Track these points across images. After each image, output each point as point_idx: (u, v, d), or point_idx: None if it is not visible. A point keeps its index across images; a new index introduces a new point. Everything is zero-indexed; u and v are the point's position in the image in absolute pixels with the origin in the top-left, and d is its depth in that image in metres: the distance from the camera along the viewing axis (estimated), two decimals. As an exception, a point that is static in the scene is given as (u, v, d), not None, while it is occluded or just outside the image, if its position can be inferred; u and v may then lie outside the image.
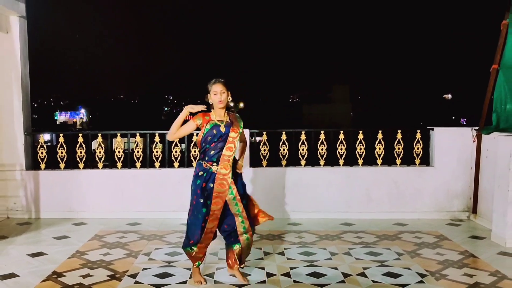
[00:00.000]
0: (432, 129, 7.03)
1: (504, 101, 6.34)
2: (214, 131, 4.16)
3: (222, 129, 4.18)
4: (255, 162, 6.99)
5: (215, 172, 4.17)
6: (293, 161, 6.98)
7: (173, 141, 6.81)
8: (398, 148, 6.99)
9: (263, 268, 4.77)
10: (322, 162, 6.95)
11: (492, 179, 6.18)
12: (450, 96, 79.68)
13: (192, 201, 4.26)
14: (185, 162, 6.96)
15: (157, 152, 6.91)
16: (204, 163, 4.20)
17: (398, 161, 6.98)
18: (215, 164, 4.17)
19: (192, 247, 4.28)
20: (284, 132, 6.94)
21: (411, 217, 6.81)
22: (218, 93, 4.18)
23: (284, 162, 6.94)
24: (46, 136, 7.46)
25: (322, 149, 6.95)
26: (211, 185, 4.16)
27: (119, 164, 6.91)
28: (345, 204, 6.85)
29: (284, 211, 6.84)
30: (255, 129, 7.04)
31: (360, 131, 6.98)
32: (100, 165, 6.92)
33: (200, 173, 4.21)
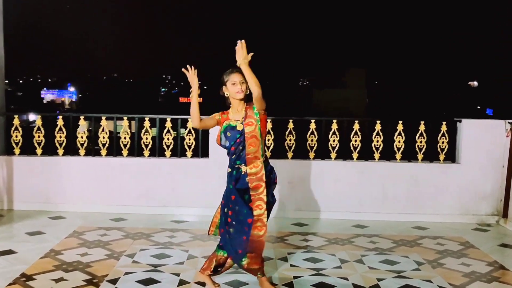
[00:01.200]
0: (460, 121, 6.77)
1: None
2: (228, 134, 4.12)
3: (239, 127, 4.09)
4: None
5: (245, 173, 4.13)
6: (301, 153, 6.74)
7: (165, 127, 6.60)
8: (420, 142, 6.75)
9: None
10: (333, 155, 6.72)
11: (527, 179, 5.95)
12: (476, 83, 78.97)
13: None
14: (178, 151, 6.72)
15: (146, 139, 6.68)
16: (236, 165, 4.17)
17: (420, 156, 6.75)
18: (243, 165, 4.13)
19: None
20: (291, 120, 6.69)
21: (432, 220, 6.58)
22: (237, 83, 4.04)
23: (290, 154, 6.70)
24: (32, 117, 7.26)
25: (333, 140, 6.71)
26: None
27: (103, 151, 6.68)
28: (358, 203, 6.63)
29: (288, 210, 6.62)
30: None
31: (378, 121, 6.73)
32: (82, 151, 6.69)
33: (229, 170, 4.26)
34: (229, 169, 4.23)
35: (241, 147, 4.09)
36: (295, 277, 4.55)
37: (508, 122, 6.55)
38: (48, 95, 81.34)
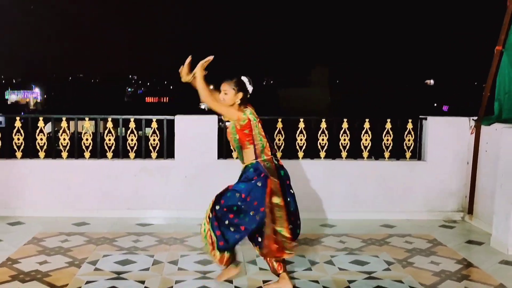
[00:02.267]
0: (426, 119, 6.64)
1: (508, 87, 5.96)
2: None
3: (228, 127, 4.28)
4: (224, 153, 6.49)
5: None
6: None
7: (129, 128, 6.28)
8: (387, 140, 6.59)
9: (230, 282, 4.29)
10: (300, 154, 6.50)
11: (492, 176, 5.83)
12: (432, 81, 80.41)
13: None
14: (142, 152, 6.40)
15: (109, 140, 6.32)
16: None
17: (387, 154, 6.59)
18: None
19: None
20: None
21: (400, 217, 6.44)
22: (222, 92, 4.19)
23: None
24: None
25: (301, 140, 6.49)
26: None
27: (64, 154, 6.30)
28: (326, 202, 6.42)
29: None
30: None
31: (345, 120, 6.53)
32: (41, 154, 6.29)
33: None
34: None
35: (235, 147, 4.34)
36: (264, 281, 4.31)
37: (472, 119, 6.45)
38: (12, 96, 79.00)
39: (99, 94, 74.10)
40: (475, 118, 6.39)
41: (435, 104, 63.70)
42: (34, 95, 79.35)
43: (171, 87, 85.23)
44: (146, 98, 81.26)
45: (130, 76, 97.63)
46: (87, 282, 4.18)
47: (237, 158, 6.32)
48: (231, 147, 6.11)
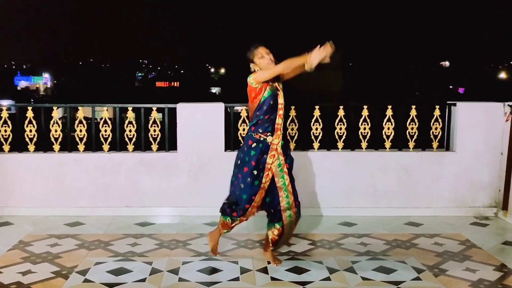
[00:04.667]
0: (455, 105, 6.03)
1: None
2: (271, 102, 4.14)
3: (279, 97, 4.19)
4: (232, 144, 5.93)
5: (270, 143, 4.16)
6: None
7: (127, 118, 5.75)
8: (412, 128, 5.99)
9: None
10: (316, 144, 5.93)
11: (530, 168, 5.28)
12: (447, 63, 79.15)
13: (241, 173, 4.21)
14: (142, 144, 5.86)
15: (105, 131, 5.78)
16: (258, 135, 4.17)
17: (411, 144, 5.99)
18: (269, 134, 4.16)
19: (234, 219, 4.31)
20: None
21: (426, 214, 5.87)
22: (265, 55, 4.18)
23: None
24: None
25: (316, 129, 5.92)
26: (265, 156, 4.16)
27: (56, 147, 5.78)
28: (344, 197, 5.87)
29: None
30: (233, 101, 5.98)
31: (365, 107, 5.93)
32: (31, 147, 5.77)
33: (254, 144, 4.17)
34: (255, 144, 4.19)
35: (272, 118, 4.17)
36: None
37: (508, 105, 5.85)
38: (22, 82, 78.91)
39: (110, 79, 73.86)
40: (511, 103, 5.80)
41: (451, 87, 62.64)
42: (44, 80, 79.12)
43: (182, 71, 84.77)
44: (157, 83, 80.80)
45: (140, 61, 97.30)
46: (74, 298, 3.68)
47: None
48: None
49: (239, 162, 4.22)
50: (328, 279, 4.08)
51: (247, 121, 5.85)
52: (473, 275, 4.19)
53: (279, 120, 4.17)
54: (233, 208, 4.27)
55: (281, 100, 4.18)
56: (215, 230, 4.48)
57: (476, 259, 4.55)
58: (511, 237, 5.21)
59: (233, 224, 4.35)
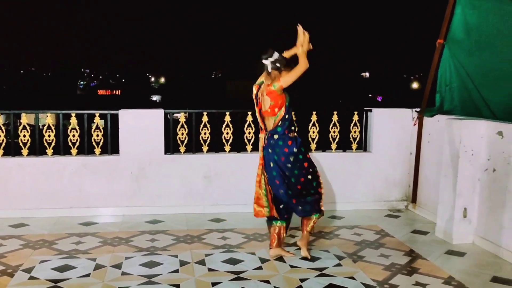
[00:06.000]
0: (371, 111, 6.34)
1: (449, 79, 5.71)
2: (290, 108, 4.36)
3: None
4: (171, 147, 5.96)
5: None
6: (217, 146, 6.04)
7: (70, 124, 5.65)
8: (334, 132, 6.24)
9: (177, 286, 3.83)
10: (249, 147, 6.06)
11: (434, 166, 5.64)
12: (367, 74, 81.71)
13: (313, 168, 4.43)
14: (85, 148, 5.77)
15: (49, 136, 5.65)
16: (292, 134, 4.34)
17: (334, 145, 6.24)
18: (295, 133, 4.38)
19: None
20: (205, 113, 5.94)
21: (348, 208, 6.12)
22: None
23: (205, 148, 5.97)
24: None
25: (249, 133, 6.05)
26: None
27: (-1, 151, 5.59)
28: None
29: (205, 205, 5.89)
30: (172, 108, 6.02)
31: (293, 112, 6.10)
32: (-25, 152, 5.56)
33: (293, 142, 4.33)
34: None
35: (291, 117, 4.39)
36: (213, 284, 3.86)
37: (415, 111, 6.21)
38: (-38, 90, 74.46)
39: (52, 87, 71.01)
40: (418, 109, 6.14)
41: (370, 95, 64.71)
42: (-15, 89, 74.99)
43: (123, 80, 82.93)
44: (99, 91, 78.57)
45: (82, 70, 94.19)
46: (20, 294, 3.61)
47: (185, 152, 5.86)
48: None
49: (295, 163, 4.29)
50: (260, 268, 4.21)
51: (185, 126, 5.90)
52: (386, 260, 4.45)
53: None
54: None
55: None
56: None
57: (389, 246, 4.82)
58: (419, 226, 5.53)
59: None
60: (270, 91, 4.23)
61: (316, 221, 4.49)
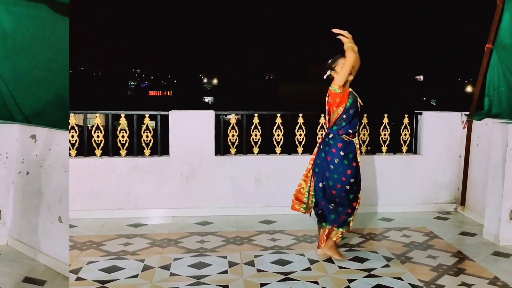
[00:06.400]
0: (421, 114, 6.19)
1: (497, 84, 5.67)
2: (352, 110, 4.25)
3: (359, 102, 4.31)
4: (222, 149, 5.94)
5: (356, 144, 4.31)
6: (268, 148, 5.97)
7: (120, 124, 5.70)
8: (384, 134, 6.08)
9: (226, 286, 3.78)
10: (300, 149, 5.96)
11: (483, 169, 5.52)
12: (422, 77, 79.93)
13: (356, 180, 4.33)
14: (134, 149, 5.80)
15: (98, 137, 5.71)
16: (346, 137, 4.26)
17: (384, 148, 6.07)
18: (353, 136, 4.30)
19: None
20: (256, 115, 5.89)
21: (397, 210, 5.98)
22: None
23: (256, 150, 5.90)
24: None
25: (300, 135, 5.95)
26: (352, 154, 4.28)
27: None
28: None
29: (255, 207, 5.85)
30: (224, 110, 6.05)
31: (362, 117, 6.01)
32: None
33: (344, 145, 4.26)
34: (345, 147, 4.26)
35: (355, 122, 4.33)
36: (262, 284, 3.81)
37: (464, 114, 6.08)
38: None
39: (102, 87, 72.77)
40: (467, 113, 6.01)
41: (424, 98, 63.31)
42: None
43: (175, 81, 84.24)
44: (150, 92, 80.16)
45: (133, 70, 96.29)
46: (69, 294, 3.65)
47: (235, 154, 5.82)
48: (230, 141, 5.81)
49: (343, 166, 4.23)
50: (308, 269, 4.16)
51: (236, 127, 5.86)
52: (434, 261, 4.38)
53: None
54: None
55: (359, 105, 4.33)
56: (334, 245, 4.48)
57: (437, 247, 4.75)
58: (467, 228, 5.40)
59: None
60: (329, 91, 4.26)
61: (342, 234, 4.41)
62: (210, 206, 5.78)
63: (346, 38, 4.08)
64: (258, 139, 5.89)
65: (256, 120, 5.86)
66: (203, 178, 5.76)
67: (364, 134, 6.03)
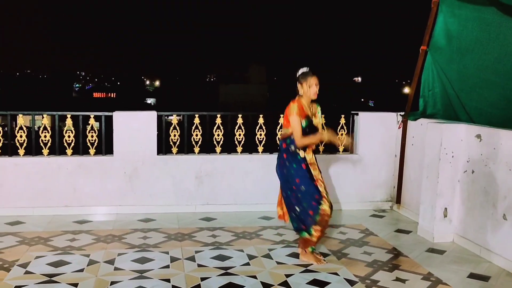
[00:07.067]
0: (357, 114, 6.48)
1: (432, 85, 5.89)
2: (307, 129, 4.37)
3: (314, 121, 4.47)
4: (164, 148, 6.07)
5: (303, 157, 4.42)
6: (207, 148, 6.15)
7: (66, 125, 5.74)
8: (321, 134, 6.36)
9: (168, 280, 3.93)
10: (239, 149, 6.18)
11: (418, 168, 5.77)
12: (360, 79, 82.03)
13: (295, 184, 4.39)
14: (80, 148, 5.87)
15: (45, 137, 5.75)
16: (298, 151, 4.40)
17: (321, 148, 6.37)
18: (302, 150, 4.40)
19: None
20: (197, 116, 6.07)
21: (334, 208, 6.15)
22: (314, 86, 4.37)
23: (197, 149, 6.08)
24: None
25: (239, 135, 6.17)
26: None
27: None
28: (264, 195, 6.12)
29: (196, 205, 6.01)
30: (166, 111, 6.16)
31: (281, 115, 6.24)
32: (-28, 151, 5.65)
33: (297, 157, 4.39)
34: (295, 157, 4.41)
35: None
36: (202, 279, 3.97)
37: (399, 115, 6.35)
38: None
39: (47, 90, 70.56)
40: (402, 113, 6.28)
41: (362, 100, 64.93)
42: (-20, 90, 74.62)
43: (118, 83, 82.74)
44: (94, 94, 78.32)
45: (78, 72, 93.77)
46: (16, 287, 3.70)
47: (177, 153, 5.97)
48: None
49: (291, 175, 4.39)
50: (247, 264, 4.34)
51: (177, 128, 6.01)
52: (369, 257, 4.59)
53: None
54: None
55: (315, 120, 4.51)
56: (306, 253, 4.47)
57: (373, 244, 4.97)
58: (403, 226, 5.67)
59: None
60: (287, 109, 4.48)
61: (305, 240, 4.43)
62: (152, 203, 5.91)
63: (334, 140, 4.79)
64: (199, 139, 6.07)
65: (197, 120, 6.04)
66: (146, 176, 5.88)
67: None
